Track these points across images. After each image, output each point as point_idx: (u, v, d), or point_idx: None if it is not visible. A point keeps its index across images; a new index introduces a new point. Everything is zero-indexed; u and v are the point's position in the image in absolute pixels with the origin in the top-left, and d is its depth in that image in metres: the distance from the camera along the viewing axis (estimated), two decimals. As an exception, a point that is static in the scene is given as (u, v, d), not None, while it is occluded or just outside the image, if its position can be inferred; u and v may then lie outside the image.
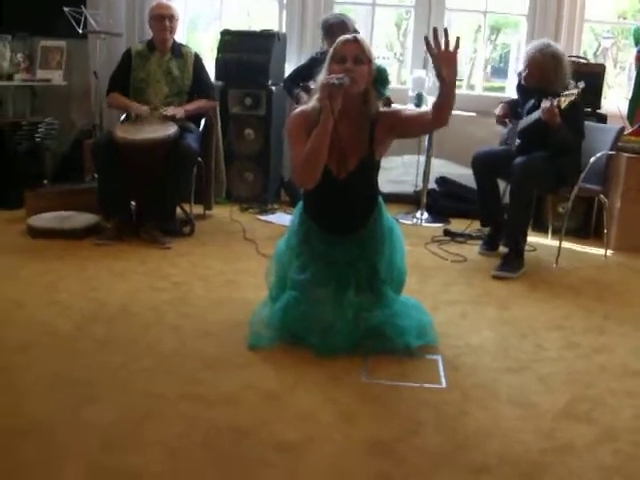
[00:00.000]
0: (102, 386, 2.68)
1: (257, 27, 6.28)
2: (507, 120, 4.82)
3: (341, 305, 3.08)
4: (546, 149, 4.46)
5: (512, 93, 5.52)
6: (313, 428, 2.47)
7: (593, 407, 2.74)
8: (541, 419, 2.63)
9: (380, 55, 6.83)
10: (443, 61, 2.89)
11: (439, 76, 2.94)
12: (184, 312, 3.47)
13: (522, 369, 3.05)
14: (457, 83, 3.05)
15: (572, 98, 4.24)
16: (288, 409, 2.60)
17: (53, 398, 2.58)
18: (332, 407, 2.62)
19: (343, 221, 3.20)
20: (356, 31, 5.28)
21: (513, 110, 4.83)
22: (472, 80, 12.58)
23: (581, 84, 4.28)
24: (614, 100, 5.76)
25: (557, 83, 4.46)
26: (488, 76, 6.96)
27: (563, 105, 4.25)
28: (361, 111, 3.12)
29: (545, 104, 4.28)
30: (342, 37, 3.14)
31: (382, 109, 3.19)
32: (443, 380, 2.89)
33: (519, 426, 2.56)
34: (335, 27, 5.18)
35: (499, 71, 11.08)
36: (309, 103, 3.18)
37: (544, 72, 4.48)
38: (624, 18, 9.57)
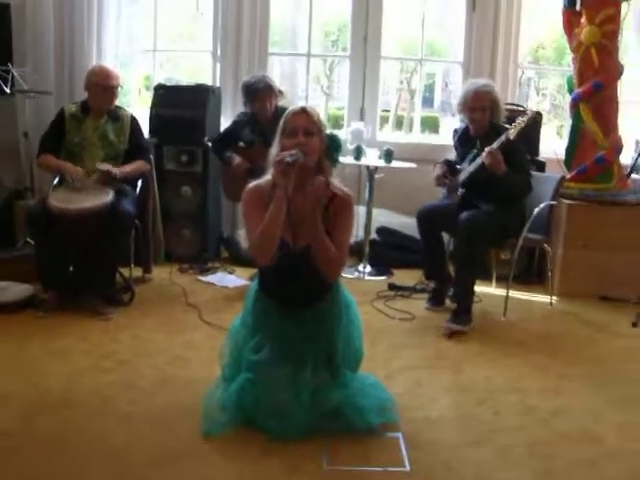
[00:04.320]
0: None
1: (187, 78, 6.20)
2: (446, 179, 4.79)
3: (297, 386, 2.98)
4: (490, 200, 4.47)
5: (445, 125, 5.57)
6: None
7: (558, 483, 2.70)
8: (509, 502, 2.57)
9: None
10: None
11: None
12: (130, 397, 3.30)
13: (483, 442, 3.00)
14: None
15: (522, 126, 4.31)
16: (250, 509, 2.49)
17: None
18: (295, 502, 2.52)
19: (300, 294, 3.12)
20: (281, 92, 5.24)
21: (450, 168, 4.82)
22: (399, 110, 12.74)
23: (529, 111, 4.35)
24: (550, 146, 5.81)
25: (501, 117, 4.58)
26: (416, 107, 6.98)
27: (512, 136, 4.30)
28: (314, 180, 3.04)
29: (487, 148, 4.31)
30: (290, 109, 3.10)
31: (341, 192, 3.07)
32: (406, 462, 2.81)
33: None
34: (262, 92, 5.15)
35: (426, 100, 11.21)
36: (262, 177, 3.11)
37: (494, 102, 4.54)
38: (542, 48, 9.88)
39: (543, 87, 11.00)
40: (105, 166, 4.56)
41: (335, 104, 11.76)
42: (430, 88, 13.00)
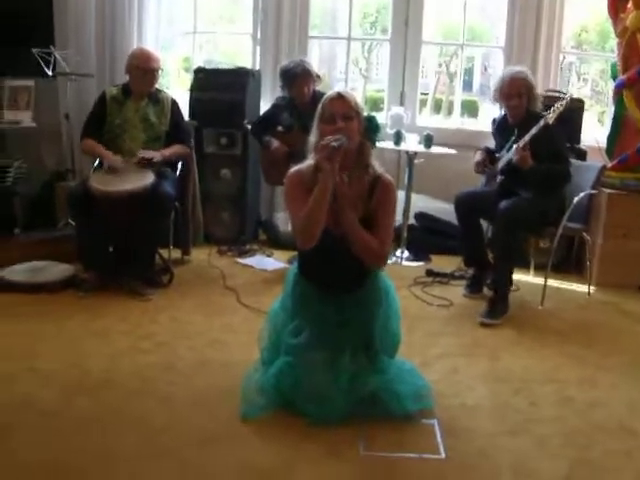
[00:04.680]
0: (91, 473, 2.56)
1: (226, 60, 6.21)
2: (485, 167, 4.77)
3: (336, 371, 3.01)
4: (529, 188, 4.44)
5: (484, 109, 5.52)
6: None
7: (593, 473, 2.71)
8: (544, 491, 2.58)
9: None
10: None
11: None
12: (170, 379, 3.36)
13: (519, 432, 3.00)
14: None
15: (561, 110, 4.26)
16: (287, 493, 2.52)
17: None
18: (332, 487, 2.55)
19: (340, 279, 3.14)
20: (318, 76, 5.25)
21: (490, 156, 4.80)
22: (437, 93, 12.67)
23: (568, 96, 4.30)
24: (591, 134, 5.75)
25: (537, 104, 4.53)
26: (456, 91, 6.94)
27: (551, 121, 4.25)
28: (357, 163, 3.09)
29: (515, 146, 4.31)
30: (327, 95, 3.11)
31: (385, 180, 3.12)
32: (441, 449, 2.82)
33: (523, 501, 2.51)
34: (299, 77, 5.15)
35: (465, 84, 11.13)
36: (304, 162, 3.14)
37: (529, 88, 4.50)
38: (586, 31, 9.74)
39: (585, 72, 10.87)
40: (147, 153, 4.62)
41: (373, 86, 11.74)
42: (469, 71, 12.90)
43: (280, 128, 5.41)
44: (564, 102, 4.30)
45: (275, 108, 5.46)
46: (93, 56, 6.07)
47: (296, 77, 5.16)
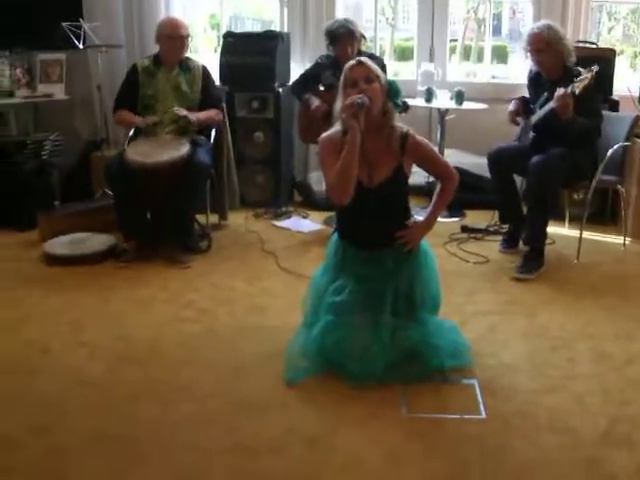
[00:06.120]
0: (146, 443, 2.66)
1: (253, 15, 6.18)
2: (519, 118, 4.76)
3: (378, 327, 3.12)
4: (562, 143, 4.43)
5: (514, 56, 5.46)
6: (362, 475, 2.49)
7: (632, 428, 2.75)
8: (582, 448, 2.63)
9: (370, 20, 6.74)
10: None
11: None
12: (213, 346, 3.46)
13: (558, 389, 3.06)
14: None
15: (586, 82, 4.19)
16: (333, 455, 2.60)
17: (95, 461, 2.56)
18: (377, 449, 2.63)
19: (378, 233, 3.26)
20: (363, 36, 5.24)
21: (525, 106, 4.78)
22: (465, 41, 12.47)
23: (595, 67, 4.24)
24: (623, 81, 5.67)
25: (568, 57, 4.48)
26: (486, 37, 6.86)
27: (578, 91, 4.20)
28: (382, 123, 3.21)
29: (559, 92, 4.24)
30: (348, 64, 3.24)
31: (412, 134, 3.24)
32: (482, 409, 2.89)
33: (562, 458, 2.57)
34: (343, 37, 5.12)
35: (494, 29, 10.97)
36: (332, 129, 3.27)
37: (549, 44, 4.45)
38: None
39: (615, 11, 10.63)
40: (182, 111, 4.67)
41: (401, 35, 11.58)
42: (497, 17, 12.69)
43: (321, 87, 5.42)
44: (589, 75, 4.20)
45: (317, 66, 5.43)
46: (121, 26, 6.09)
47: (339, 37, 5.14)
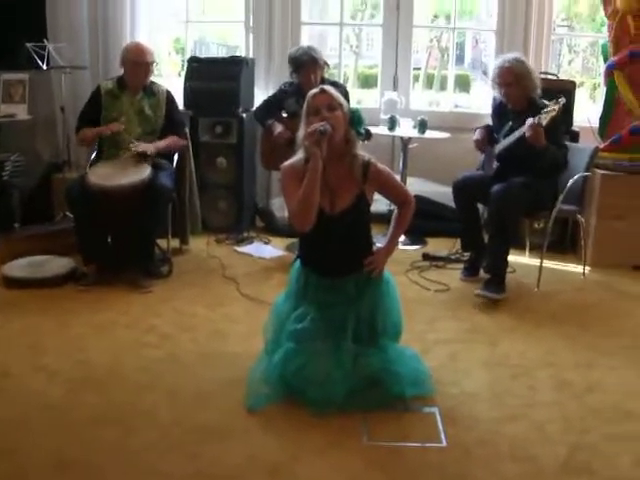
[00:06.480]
0: (109, 469, 2.62)
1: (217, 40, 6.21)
2: (484, 146, 4.82)
3: (339, 353, 3.13)
4: (524, 172, 4.48)
5: (476, 85, 5.55)
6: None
7: (592, 457, 2.76)
8: (543, 476, 2.64)
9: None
10: None
11: None
12: (175, 371, 3.42)
13: (518, 417, 3.06)
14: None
15: (553, 114, 4.26)
16: (295, 484, 2.58)
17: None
18: (338, 477, 2.61)
19: (340, 261, 3.27)
20: (326, 63, 5.27)
21: (489, 135, 4.84)
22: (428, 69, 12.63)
23: (562, 100, 4.31)
24: (583, 112, 5.78)
25: (534, 90, 4.55)
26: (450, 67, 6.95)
27: (544, 122, 4.26)
28: (345, 151, 3.24)
29: (529, 121, 4.30)
30: (310, 92, 3.28)
31: (374, 162, 3.27)
32: (443, 438, 2.89)
33: (524, 487, 2.57)
34: (306, 64, 5.14)
35: (456, 58, 11.16)
36: (294, 157, 3.28)
37: (518, 77, 4.52)
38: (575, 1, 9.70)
39: (575, 44, 10.85)
40: (139, 147, 4.64)
41: (365, 62, 11.67)
42: (460, 46, 12.87)
43: (284, 114, 5.43)
44: (557, 107, 4.27)
45: (281, 93, 5.45)
46: (86, 48, 6.08)
47: (303, 65, 5.16)
